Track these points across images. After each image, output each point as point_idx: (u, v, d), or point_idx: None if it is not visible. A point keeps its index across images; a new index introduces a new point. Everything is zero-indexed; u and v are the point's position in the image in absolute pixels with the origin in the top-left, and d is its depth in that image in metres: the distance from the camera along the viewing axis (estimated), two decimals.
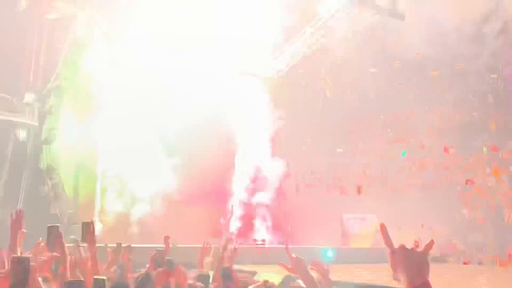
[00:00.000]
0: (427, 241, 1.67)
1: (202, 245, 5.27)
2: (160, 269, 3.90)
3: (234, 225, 21.51)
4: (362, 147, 26.99)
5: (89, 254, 3.49)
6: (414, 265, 1.61)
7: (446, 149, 25.05)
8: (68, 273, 3.11)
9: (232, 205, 21.38)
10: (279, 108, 22.65)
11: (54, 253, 3.27)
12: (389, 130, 27.03)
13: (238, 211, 22.00)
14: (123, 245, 5.95)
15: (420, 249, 1.68)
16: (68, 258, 3.21)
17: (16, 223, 3.54)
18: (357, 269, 14.16)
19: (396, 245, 1.69)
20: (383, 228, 1.69)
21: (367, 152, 26.84)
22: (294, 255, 2.78)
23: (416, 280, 1.58)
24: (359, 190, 25.57)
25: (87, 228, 3.30)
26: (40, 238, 6.39)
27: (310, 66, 22.79)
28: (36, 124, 20.48)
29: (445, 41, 21.60)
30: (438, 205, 22.14)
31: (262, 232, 21.77)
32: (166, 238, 5.91)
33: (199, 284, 3.89)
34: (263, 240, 20.47)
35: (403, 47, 21.60)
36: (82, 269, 3.66)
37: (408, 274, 1.60)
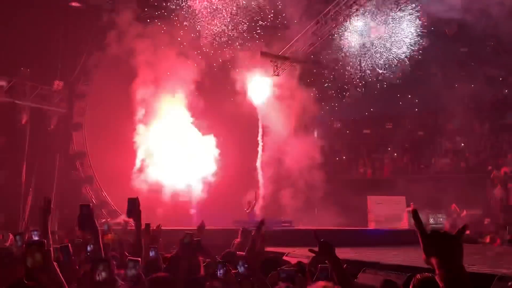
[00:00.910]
0: (459, 222, 1.64)
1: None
2: (188, 249, 3.98)
3: (260, 208, 21.68)
4: (390, 127, 26.64)
5: (134, 229, 3.56)
6: (447, 250, 1.60)
7: (475, 128, 24.50)
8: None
9: (256, 191, 21.53)
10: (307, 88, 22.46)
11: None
12: (415, 109, 26.52)
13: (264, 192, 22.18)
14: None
15: (453, 232, 1.66)
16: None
17: (45, 210, 3.70)
18: (385, 251, 14.06)
19: (428, 227, 1.67)
20: (414, 211, 1.68)
21: (394, 132, 26.49)
22: (321, 240, 2.77)
23: (449, 264, 1.58)
24: (386, 171, 25.38)
25: (133, 204, 3.37)
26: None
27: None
28: (65, 110, 20.96)
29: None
30: (469, 185, 21.70)
31: (288, 214, 21.81)
32: (201, 225, 6.02)
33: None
34: (289, 222, 20.53)
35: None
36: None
37: (441, 258, 1.60)
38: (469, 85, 23.26)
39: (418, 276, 2.78)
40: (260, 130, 22.71)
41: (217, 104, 21.46)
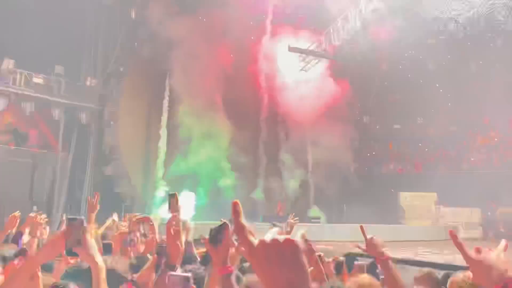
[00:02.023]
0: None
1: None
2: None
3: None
4: (420, 122, 26.12)
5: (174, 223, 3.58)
6: (495, 275, 1.60)
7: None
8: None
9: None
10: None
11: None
12: (449, 103, 25.81)
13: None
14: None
15: (493, 253, 1.64)
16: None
17: (92, 205, 3.90)
18: (417, 247, 13.84)
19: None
20: (457, 241, 1.66)
21: (426, 127, 25.97)
22: (369, 236, 2.69)
23: (498, 284, 1.60)
24: (418, 167, 24.90)
25: (173, 199, 3.42)
26: (114, 214, 6.88)
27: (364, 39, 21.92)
28: (98, 107, 21.37)
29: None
30: (503, 181, 21.06)
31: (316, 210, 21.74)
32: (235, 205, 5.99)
33: None
34: (318, 218, 20.46)
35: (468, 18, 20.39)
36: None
37: (490, 282, 1.61)
38: (506, 78, 22.50)
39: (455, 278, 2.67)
40: None
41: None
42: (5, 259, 3.03)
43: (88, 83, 20.81)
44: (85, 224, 2.11)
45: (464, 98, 23.62)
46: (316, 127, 21.42)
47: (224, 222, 2.13)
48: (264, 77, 22.29)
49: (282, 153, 22.83)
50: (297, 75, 21.46)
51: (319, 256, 3.56)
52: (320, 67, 21.49)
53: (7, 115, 19.29)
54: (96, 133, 21.51)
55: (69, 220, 2.09)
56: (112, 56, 21.71)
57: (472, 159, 24.69)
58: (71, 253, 2.12)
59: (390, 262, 2.58)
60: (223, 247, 2.08)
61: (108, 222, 6.31)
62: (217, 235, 2.10)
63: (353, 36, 19.90)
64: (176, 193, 3.10)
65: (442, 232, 17.64)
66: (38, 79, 19.52)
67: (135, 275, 2.84)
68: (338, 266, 3.41)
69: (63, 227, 2.43)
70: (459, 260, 1.71)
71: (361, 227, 2.72)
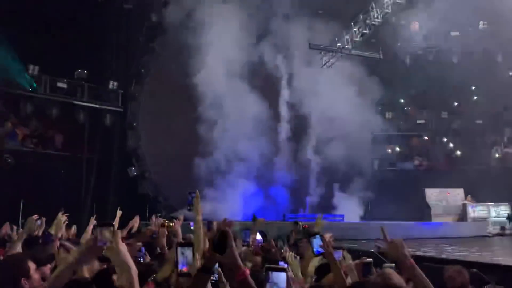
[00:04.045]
0: None
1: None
2: None
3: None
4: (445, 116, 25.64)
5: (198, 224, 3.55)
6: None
7: None
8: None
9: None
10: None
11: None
12: (474, 96, 25.23)
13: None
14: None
15: None
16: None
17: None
18: (442, 244, 13.59)
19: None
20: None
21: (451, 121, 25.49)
22: (389, 239, 2.51)
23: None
24: (445, 163, 24.44)
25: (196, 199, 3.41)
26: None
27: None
28: (121, 109, 21.65)
29: None
30: None
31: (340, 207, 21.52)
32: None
33: None
34: (341, 217, 20.29)
35: None
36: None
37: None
38: None
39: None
40: None
41: None
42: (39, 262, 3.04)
43: (110, 86, 21.09)
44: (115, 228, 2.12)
45: (491, 90, 23.02)
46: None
47: (223, 231, 2.09)
48: None
49: None
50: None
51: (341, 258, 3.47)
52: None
53: (33, 120, 19.73)
54: (119, 135, 21.81)
55: (100, 225, 2.09)
56: (134, 59, 21.97)
57: (499, 153, 24.09)
58: (103, 258, 2.13)
59: (416, 268, 2.40)
60: (231, 253, 2.06)
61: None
62: (220, 243, 2.06)
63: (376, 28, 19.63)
64: (197, 191, 3.08)
65: (470, 229, 17.32)
66: (62, 84, 19.90)
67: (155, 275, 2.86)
68: (367, 268, 3.26)
69: (94, 231, 2.42)
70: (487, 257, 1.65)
71: (382, 228, 2.54)
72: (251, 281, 2.05)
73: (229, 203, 19.01)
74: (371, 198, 21.48)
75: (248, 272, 2.06)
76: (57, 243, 4.07)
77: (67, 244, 2.49)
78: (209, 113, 20.49)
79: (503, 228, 19.81)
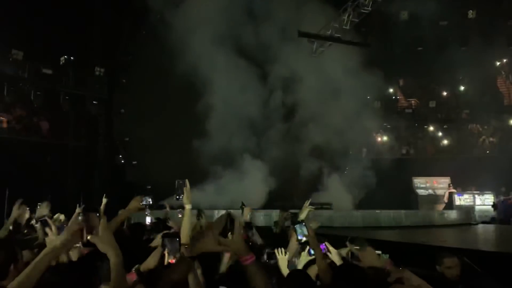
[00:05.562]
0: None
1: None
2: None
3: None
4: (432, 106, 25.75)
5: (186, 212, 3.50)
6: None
7: None
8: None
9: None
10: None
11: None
12: (460, 87, 25.41)
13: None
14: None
15: None
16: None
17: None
18: (436, 233, 13.71)
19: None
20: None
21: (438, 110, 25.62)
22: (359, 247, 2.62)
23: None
24: (430, 152, 24.63)
25: (184, 187, 3.33)
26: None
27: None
28: (107, 96, 21.39)
29: None
30: None
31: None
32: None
33: None
34: (329, 204, 20.33)
35: None
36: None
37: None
38: None
39: None
40: None
41: None
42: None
43: (96, 72, 20.79)
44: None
45: (479, 79, 23.21)
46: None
47: (232, 218, 2.19)
48: None
49: None
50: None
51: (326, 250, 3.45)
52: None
53: (17, 107, 19.38)
54: (106, 122, 21.58)
55: (85, 211, 2.10)
56: (120, 45, 21.66)
57: (484, 143, 24.36)
58: (88, 244, 2.17)
59: (412, 277, 2.49)
60: (236, 237, 2.23)
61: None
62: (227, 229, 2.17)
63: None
64: (187, 180, 3.00)
65: (455, 217, 17.50)
66: (47, 70, 19.55)
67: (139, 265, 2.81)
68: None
69: (79, 218, 2.42)
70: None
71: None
72: (258, 264, 2.24)
73: (217, 191, 18.98)
74: (358, 187, 21.57)
75: (253, 258, 2.24)
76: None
77: (48, 220, 2.42)
78: (199, 101, 20.37)
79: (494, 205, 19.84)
